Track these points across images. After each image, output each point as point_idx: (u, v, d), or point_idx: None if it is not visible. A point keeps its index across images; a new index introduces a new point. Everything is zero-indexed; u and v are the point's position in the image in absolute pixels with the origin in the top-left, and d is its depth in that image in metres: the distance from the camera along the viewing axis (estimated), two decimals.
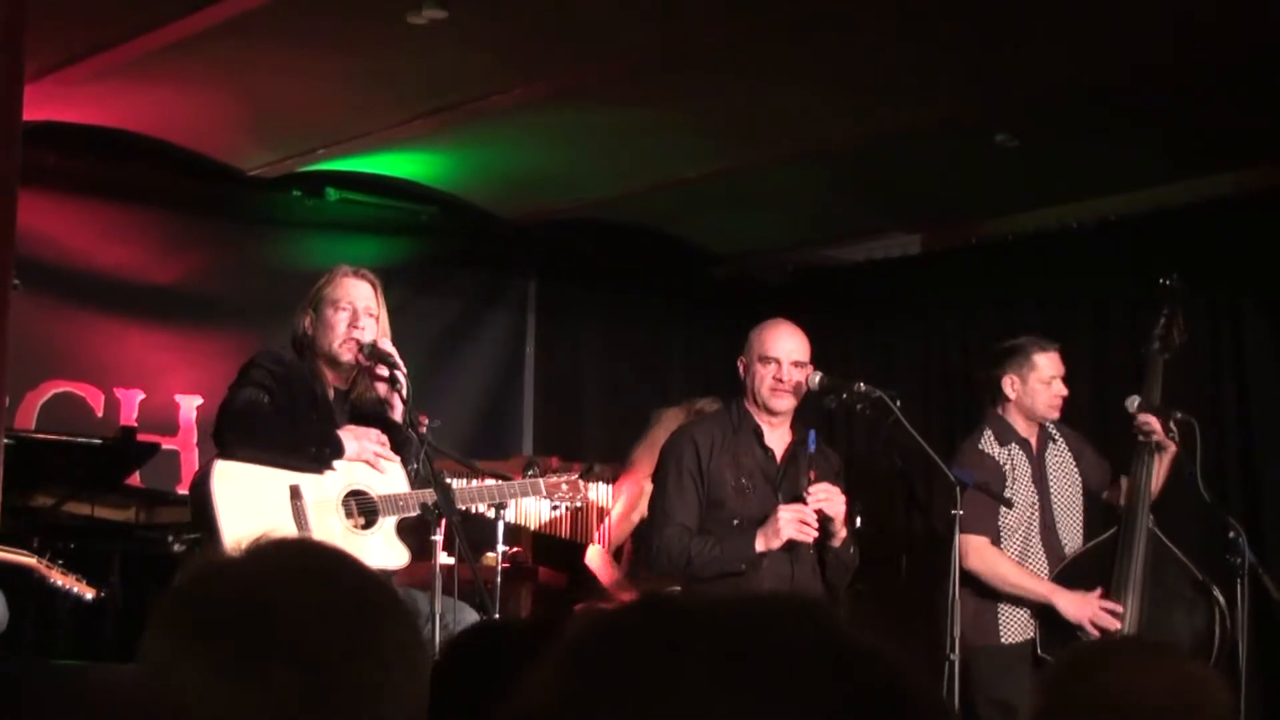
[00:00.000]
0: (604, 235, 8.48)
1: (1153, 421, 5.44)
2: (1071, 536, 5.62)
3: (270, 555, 1.58)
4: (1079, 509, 5.67)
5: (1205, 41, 5.59)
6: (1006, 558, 5.49)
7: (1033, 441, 5.66)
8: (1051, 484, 5.63)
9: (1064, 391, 5.66)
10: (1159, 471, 5.52)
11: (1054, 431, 5.74)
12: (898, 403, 5.14)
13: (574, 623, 1.05)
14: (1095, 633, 5.31)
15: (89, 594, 5.32)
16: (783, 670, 0.97)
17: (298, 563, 1.58)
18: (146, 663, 1.52)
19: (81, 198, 7.25)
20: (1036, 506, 5.58)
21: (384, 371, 4.82)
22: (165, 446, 7.00)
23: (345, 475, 4.79)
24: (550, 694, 1.01)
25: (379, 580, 1.63)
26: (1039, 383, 5.62)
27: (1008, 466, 5.55)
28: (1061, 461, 5.70)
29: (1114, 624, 5.33)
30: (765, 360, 5.12)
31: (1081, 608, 5.38)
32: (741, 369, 5.19)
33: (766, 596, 1.04)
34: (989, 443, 5.60)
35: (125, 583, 5.77)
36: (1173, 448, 5.49)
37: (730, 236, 8.56)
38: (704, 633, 0.99)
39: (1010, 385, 5.65)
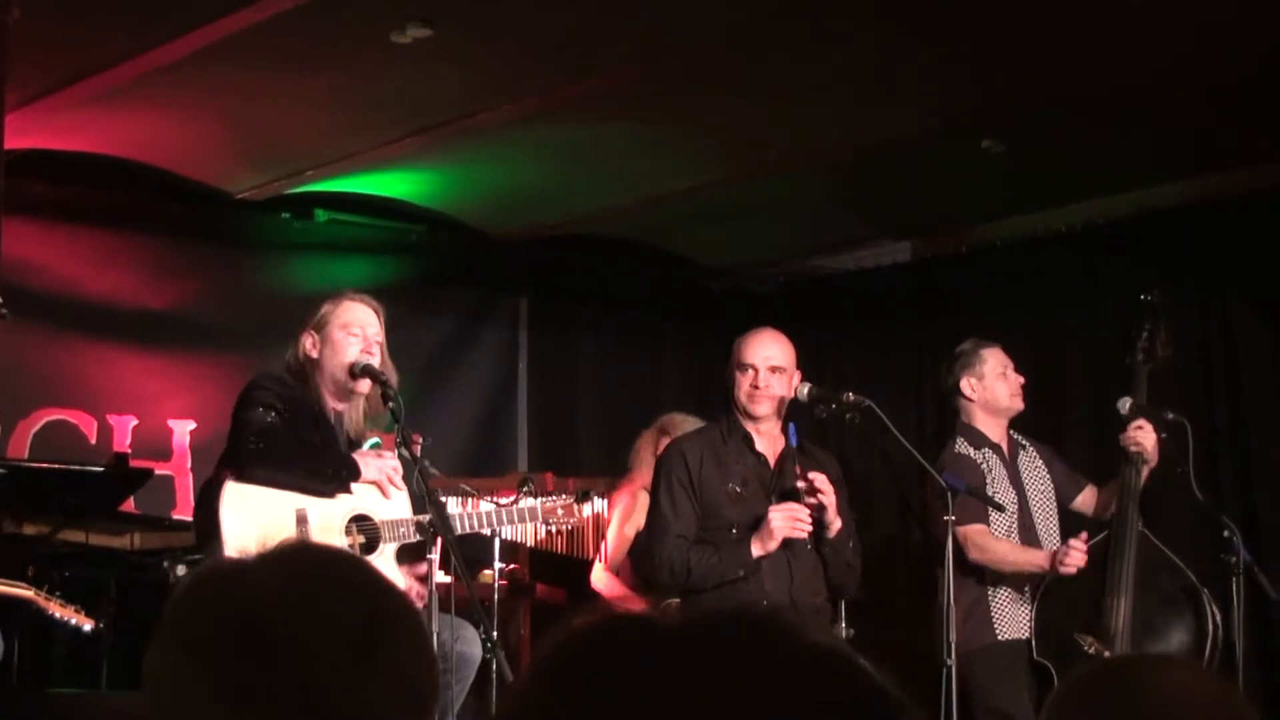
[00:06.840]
0: (594, 250, 8.49)
1: (1143, 436, 5.45)
2: (1050, 538, 5.64)
3: (282, 570, 1.48)
4: (1054, 513, 5.75)
5: (1190, 46, 5.60)
6: (999, 538, 5.51)
7: (1004, 447, 5.72)
8: (1027, 487, 5.70)
9: (1021, 379, 5.76)
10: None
11: (1023, 440, 5.82)
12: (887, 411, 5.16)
13: (547, 637, 1.06)
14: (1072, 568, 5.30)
15: (87, 625, 5.27)
16: (747, 683, 0.97)
17: (309, 581, 1.47)
18: (148, 682, 1.45)
19: (69, 225, 7.24)
20: (1016, 507, 5.61)
21: (364, 389, 4.83)
22: (159, 472, 6.99)
23: (353, 500, 4.79)
24: (520, 705, 1.01)
25: (396, 602, 1.53)
26: (995, 376, 5.73)
27: (984, 468, 5.59)
28: (1034, 466, 5.78)
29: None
30: (743, 368, 5.18)
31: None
32: (728, 378, 5.24)
33: (732, 609, 1.04)
34: (964, 447, 5.65)
35: (121, 609, 5.76)
36: (1155, 461, 5.51)
37: (721, 248, 8.57)
38: (667, 647, 0.99)
39: (970, 387, 5.74)
